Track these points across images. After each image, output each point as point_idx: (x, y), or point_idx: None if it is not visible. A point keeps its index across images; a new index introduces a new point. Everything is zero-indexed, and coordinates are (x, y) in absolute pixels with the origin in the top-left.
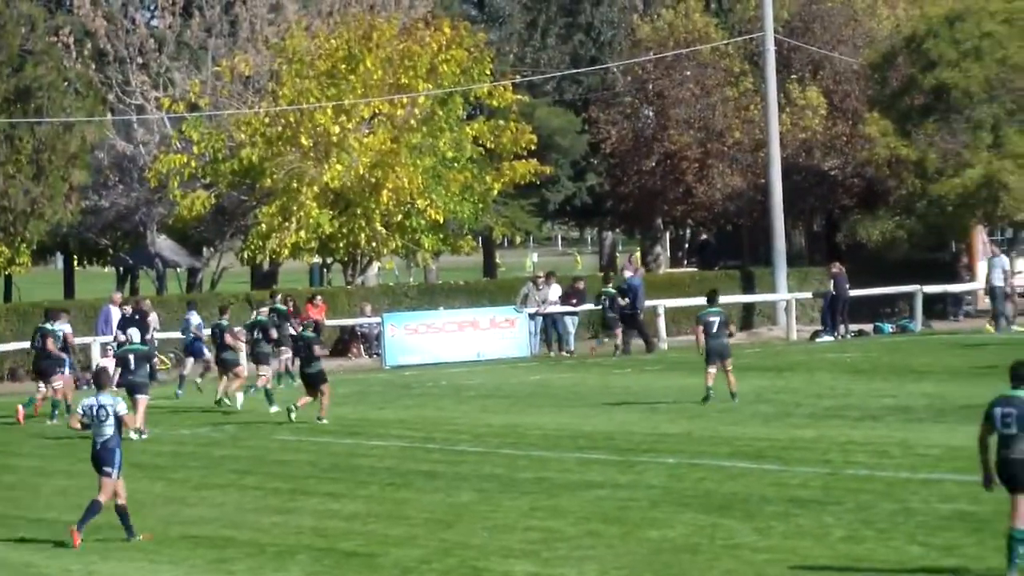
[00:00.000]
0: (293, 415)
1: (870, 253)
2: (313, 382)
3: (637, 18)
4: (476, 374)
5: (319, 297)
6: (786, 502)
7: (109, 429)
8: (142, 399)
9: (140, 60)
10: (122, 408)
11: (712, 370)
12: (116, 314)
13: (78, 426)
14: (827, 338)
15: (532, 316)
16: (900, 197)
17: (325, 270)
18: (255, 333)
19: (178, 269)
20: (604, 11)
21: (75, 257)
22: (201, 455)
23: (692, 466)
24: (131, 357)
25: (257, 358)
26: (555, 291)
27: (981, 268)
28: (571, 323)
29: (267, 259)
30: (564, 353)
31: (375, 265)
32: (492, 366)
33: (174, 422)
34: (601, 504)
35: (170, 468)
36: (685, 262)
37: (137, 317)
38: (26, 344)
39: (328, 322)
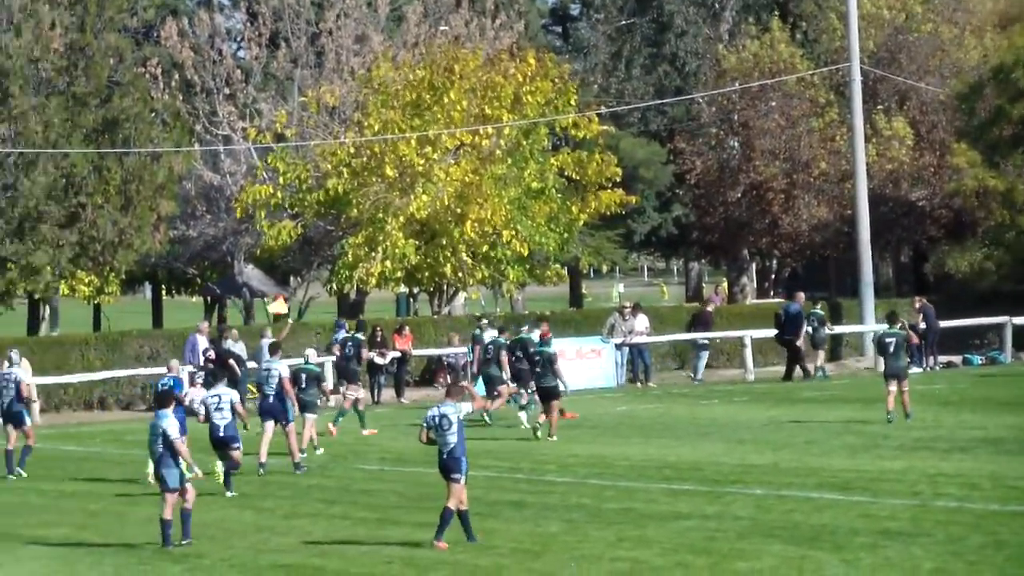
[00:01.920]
0: (539, 432)
1: (958, 284)
2: (546, 397)
3: (722, 48)
4: (565, 404)
5: (406, 327)
6: (875, 534)
7: (453, 438)
8: (310, 418)
9: (227, 91)
10: (466, 407)
11: (892, 389)
12: (203, 343)
13: (424, 439)
14: (915, 370)
15: (618, 347)
16: (988, 228)
17: (412, 300)
18: (348, 349)
19: (265, 299)
20: (689, 42)
21: (163, 286)
22: (289, 484)
23: (780, 497)
24: (303, 376)
25: (347, 375)
26: (641, 322)
27: None
28: (703, 353)
29: (354, 289)
30: (650, 384)
31: (461, 295)
32: (578, 396)
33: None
34: (688, 535)
35: (258, 497)
36: (771, 293)
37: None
38: (116, 373)
39: (415, 352)
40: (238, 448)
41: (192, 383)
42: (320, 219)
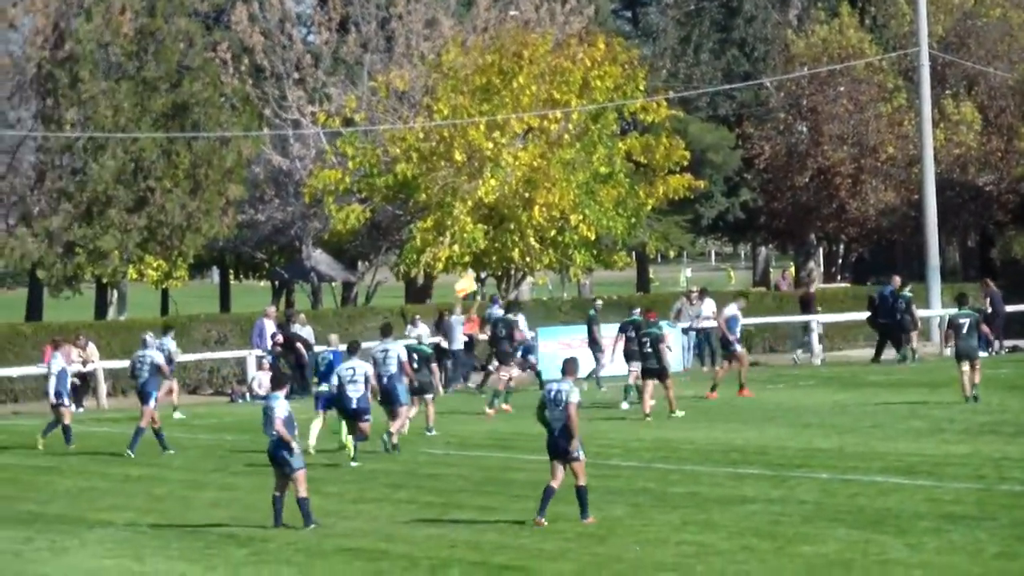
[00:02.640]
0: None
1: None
2: (653, 376)
3: (791, 34)
4: (629, 388)
5: (472, 312)
6: (939, 518)
7: (563, 414)
8: (429, 398)
9: (296, 75)
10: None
11: (965, 369)
12: (270, 327)
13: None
14: (982, 354)
15: (686, 331)
16: None
17: (480, 284)
18: (499, 329)
19: (333, 283)
20: (758, 27)
21: (231, 271)
22: (355, 469)
23: (844, 481)
24: (415, 356)
25: (501, 357)
26: (708, 306)
27: None
28: (816, 330)
29: (421, 273)
30: (716, 368)
31: (528, 280)
32: (607, 381)
33: (327, 436)
34: (753, 519)
35: (325, 481)
36: (839, 277)
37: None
38: (184, 357)
39: (482, 336)
40: (368, 420)
41: (259, 367)
42: (388, 203)
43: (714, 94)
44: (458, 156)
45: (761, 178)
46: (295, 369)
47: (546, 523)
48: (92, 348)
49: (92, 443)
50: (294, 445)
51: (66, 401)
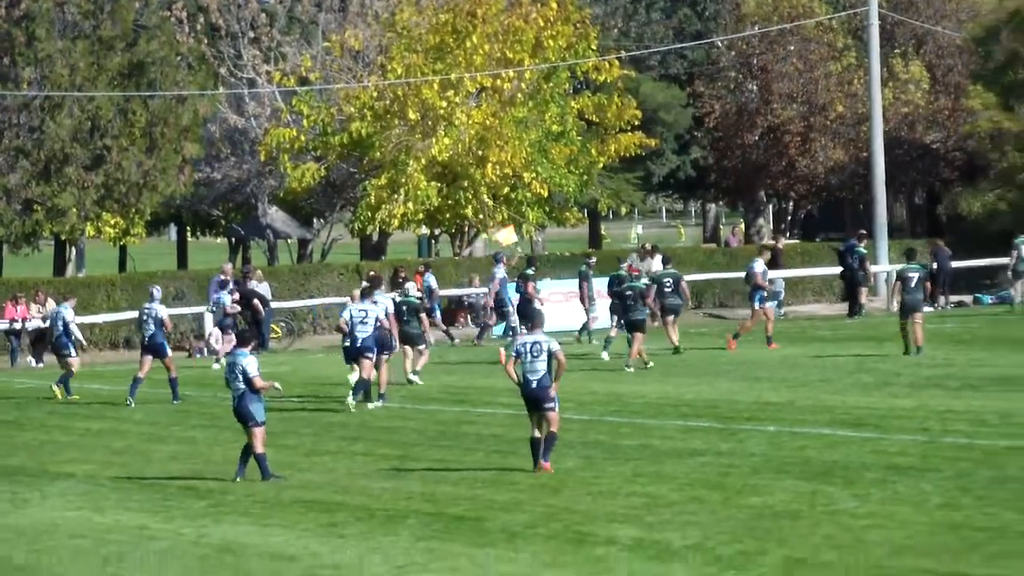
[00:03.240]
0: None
1: (971, 225)
2: (634, 328)
3: None
4: (582, 343)
5: (428, 268)
6: (885, 469)
7: (543, 365)
8: (421, 347)
9: (252, 35)
10: (555, 346)
11: (919, 320)
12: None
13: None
14: (927, 309)
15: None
16: (1002, 170)
17: (433, 241)
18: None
19: (289, 240)
20: None
21: (188, 228)
22: (312, 422)
23: (793, 434)
24: (404, 309)
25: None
26: (659, 262)
27: None
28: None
29: (376, 230)
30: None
31: (481, 236)
32: (597, 335)
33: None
34: (703, 471)
35: (282, 435)
36: (788, 234)
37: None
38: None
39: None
40: (369, 358)
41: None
42: (343, 161)
43: (665, 53)
44: (412, 115)
45: (711, 136)
46: (252, 325)
47: (548, 465)
48: (52, 304)
49: (51, 397)
50: (263, 396)
51: (72, 352)
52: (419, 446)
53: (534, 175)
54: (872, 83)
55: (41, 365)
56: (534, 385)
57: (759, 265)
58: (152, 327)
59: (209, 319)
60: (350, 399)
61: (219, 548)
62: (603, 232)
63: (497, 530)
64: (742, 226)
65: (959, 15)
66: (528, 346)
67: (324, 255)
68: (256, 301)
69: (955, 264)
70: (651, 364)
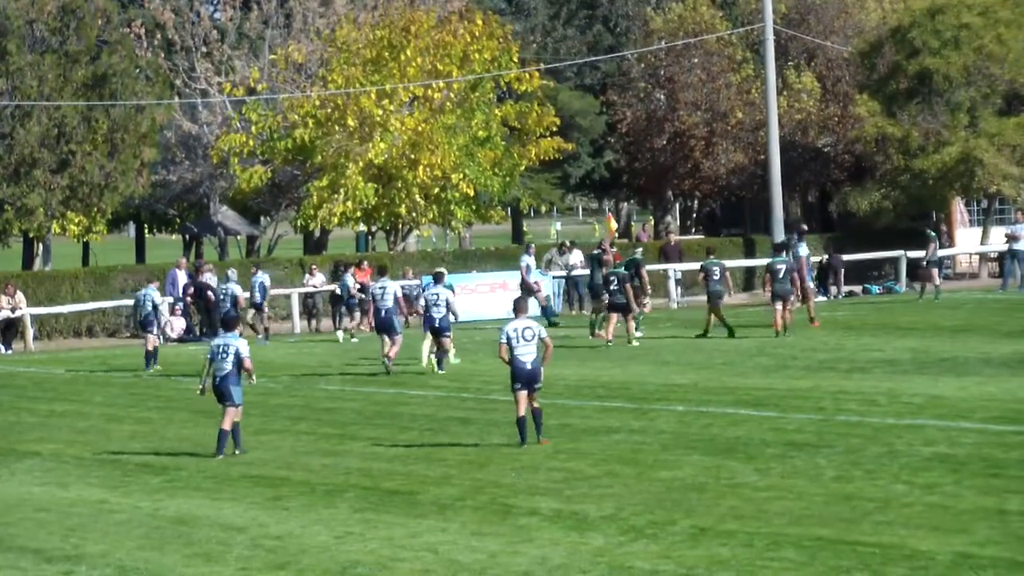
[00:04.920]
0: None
1: (859, 222)
2: (617, 310)
3: (650, 11)
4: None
5: (365, 262)
6: (784, 445)
7: (535, 347)
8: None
9: (204, 49)
10: (544, 332)
11: (779, 308)
12: (182, 278)
13: (504, 355)
14: (820, 299)
15: (556, 279)
16: (886, 171)
17: (370, 237)
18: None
19: (238, 237)
20: (620, 4)
21: (146, 226)
22: (259, 404)
23: (699, 413)
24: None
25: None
26: (576, 256)
27: (959, 236)
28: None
29: (318, 227)
30: (584, 312)
31: (414, 233)
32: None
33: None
34: (618, 447)
35: None
36: (693, 230)
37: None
38: (103, 304)
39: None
40: (448, 336)
41: (172, 312)
42: (288, 165)
43: (581, 65)
44: (351, 122)
45: (623, 141)
46: (204, 314)
47: (547, 441)
48: (20, 296)
49: (20, 382)
50: (254, 379)
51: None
52: (357, 425)
53: (462, 176)
54: (768, 92)
55: (10, 351)
56: (529, 366)
57: (803, 250)
58: (149, 307)
59: (166, 309)
60: (439, 370)
61: (173, 520)
62: (525, 228)
63: (429, 502)
64: (651, 223)
65: (846, 31)
66: (520, 331)
67: (270, 250)
68: (209, 292)
69: (845, 257)
70: (636, 344)
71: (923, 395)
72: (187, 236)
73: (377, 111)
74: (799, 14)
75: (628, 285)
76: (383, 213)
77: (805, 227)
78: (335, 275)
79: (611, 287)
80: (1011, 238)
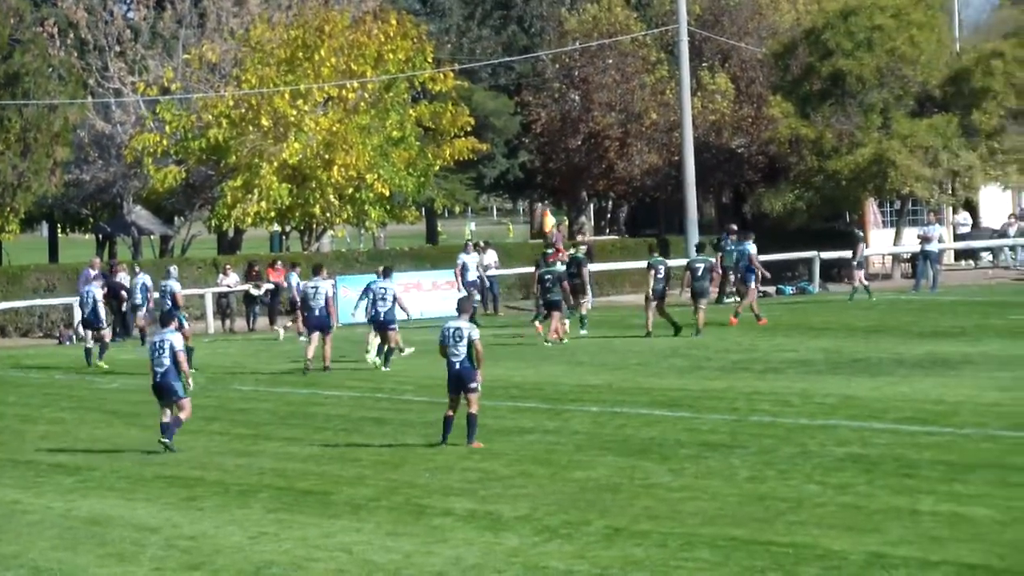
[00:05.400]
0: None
1: (773, 223)
2: (551, 307)
3: (565, 11)
4: (420, 331)
5: (279, 262)
6: (698, 446)
7: (463, 349)
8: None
9: (118, 48)
10: (475, 334)
11: (703, 305)
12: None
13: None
14: (735, 298)
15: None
16: (800, 172)
17: (284, 237)
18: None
19: (152, 236)
20: (535, 5)
21: (59, 225)
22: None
23: (613, 414)
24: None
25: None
26: (490, 256)
27: (873, 236)
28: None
29: (232, 227)
30: (498, 312)
31: (328, 233)
32: (435, 323)
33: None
34: (532, 448)
35: (144, 416)
36: (608, 231)
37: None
38: (15, 303)
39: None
40: (394, 329)
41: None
42: (202, 164)
43: (496, 66)
44: (265, 122)
45: (538, 141)
46: (117, 314)
47: (479, 444)
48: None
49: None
50: (189, 379)
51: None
52: (271, 425)
53: (376, 177)
54: (682, 93)
55: None
56: (457, 367)
57: (752, 247)
58: (90, 305)
59: (78, 309)
60: (384, 368)
61: (87, 520)
62: (439, 229)
63: (343, 503)
64: (566, 223)
65: (760, 33)
66: (451, 331)
67: (184, 250)
68: (123, 292)
69: (760, 258)
70: (566, 341)
71: (836, 395)
72: (100, 236)
73: (291, 111)
74: (713, 15)
75: (565, 283)
76: (297, 213)
77: (735, 227)
78: (248, 275)
79: (546, 285)
80: (924, 239)
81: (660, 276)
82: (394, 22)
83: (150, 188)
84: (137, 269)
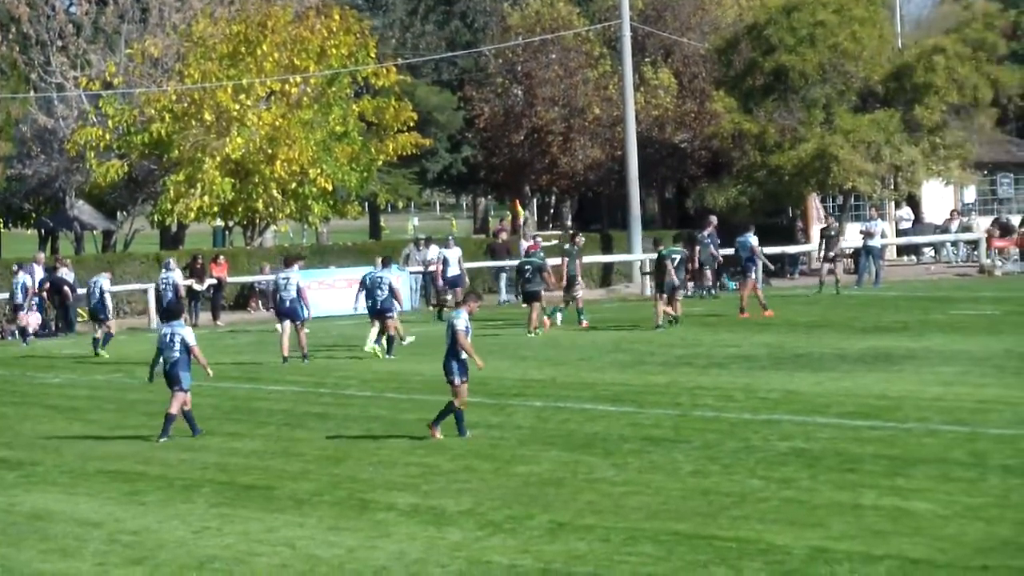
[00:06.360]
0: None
1: (716, 218)
2: (530, 298)
3: (507, 7)
4: (363, 326)
5: (221, 257)
6: (641, 440)
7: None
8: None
9: (60, 43)
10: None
11: (677, 298)
12: (38, 272)
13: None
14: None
15: (413, 274)
16: (743, 167)
17: (227, 232)
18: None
19: (94, 231)
20: (477, 0)
21: (1, 220)
22: (116, 399)
23: (557, 408)
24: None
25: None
26: (434, 252)
27: (815, 232)
28: (502, 278)
29: (175, 222)
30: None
31: (271, 228)
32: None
33: (89, 369)
34: (475, 442)
35: (87, 410)
36: (551, 225)
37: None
38: None
39: (230, 279)
40: (391, 317)
41: (28, 308)
42: (145, 159)
43: (439, 61)
44: (208, 116)
45: (481, 136)
46: (60, 309)
47: (438, 436)
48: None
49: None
50: (206, 367)
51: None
52: (214, 420)
53: (319, 171)
54: (625, 88)
55: None
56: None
57: (755, 239)
58: (97, 296)
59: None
60: (389, 356)
61: (29, 515)
62: (382, 224)
63: (286, 497)
64: (509, 218)
65: (703, 28)
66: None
67: (127, 245)
68: (65, 288)
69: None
70: (538, 333)
71: (779, 390)
72: (43, 231)
73: (234, 106)
74: (656, 11)
75: (545, 273)
76: (240, 208)
77: (714, 218)
78: (191, 270)
79: (526, 275)
80: (866, 235)
81: (675, 267)
82: (337, 17)
83: (92, 183)
84: (170, 265)
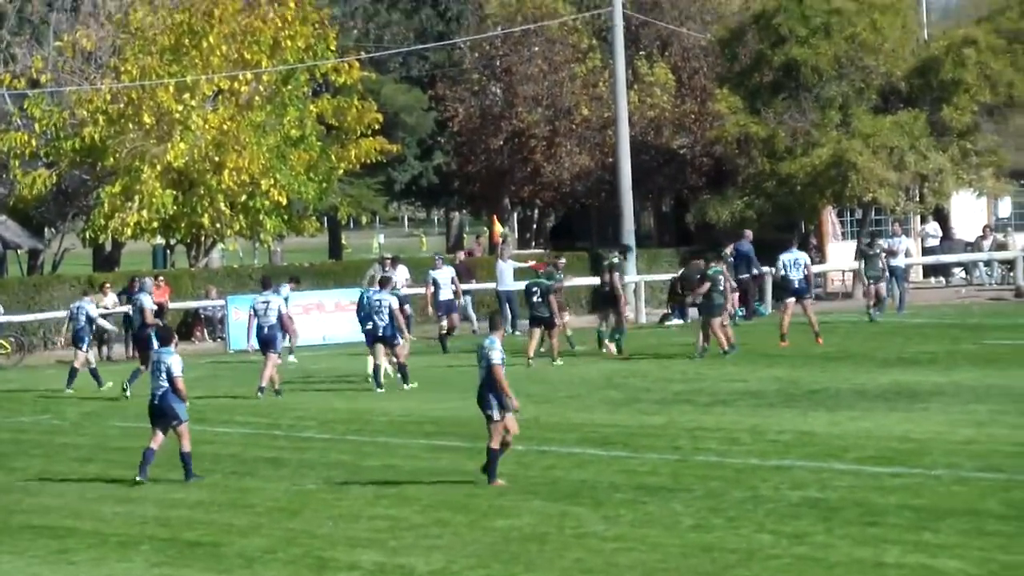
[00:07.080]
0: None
1: (719, 234)
2: (540, 324)
3: None
4: (322, 358)
5: (162, 279)
6: (635, 489)
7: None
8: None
9: None
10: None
11: (726, 323)
12: None
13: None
14: (677, 321)
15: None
16: (749, 176)
17: (168, 251)
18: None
19: (19, 251)
20: None
21: None
22: (42, 443)
23: (540, 453)
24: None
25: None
26: (402, 273)
27: (831, 250)
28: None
29: (109, 240)
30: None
31: (219, 247)
32: (338, 349)
33: (11, 409)
34: (448, 492)
35: (10, 456)
36: (534, 243)
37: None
38: None
39: (171, 305)
40: (398, 344)
41: None
42: (76, 168)
43: (407, 55)
44: (147, 119)
45: (455, 141)
46: None
47: (501, 483)
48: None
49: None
50: (184, 401)
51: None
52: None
53: (272, 182)
54: (617, 86)
55: None
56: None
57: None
58: (82, 321)
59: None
60: (406, 386)
61: None
62: (344, 242)
63: (234, 555)
64: (486, 235)
65: (704, 16)
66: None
67: (56, 266)
68: None
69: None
70: (559, 363)
71: (791, 432)
72: None
73: (176, 106)
74: None
75: (552, 297)
76: (183, 224)
77: (749, 232)
78: (128, 295)
79: (533, 299)
80: (889, 254)
81: (720, 289)
82: (292, 5)
83: (17, 195)
84: (145, 285)
